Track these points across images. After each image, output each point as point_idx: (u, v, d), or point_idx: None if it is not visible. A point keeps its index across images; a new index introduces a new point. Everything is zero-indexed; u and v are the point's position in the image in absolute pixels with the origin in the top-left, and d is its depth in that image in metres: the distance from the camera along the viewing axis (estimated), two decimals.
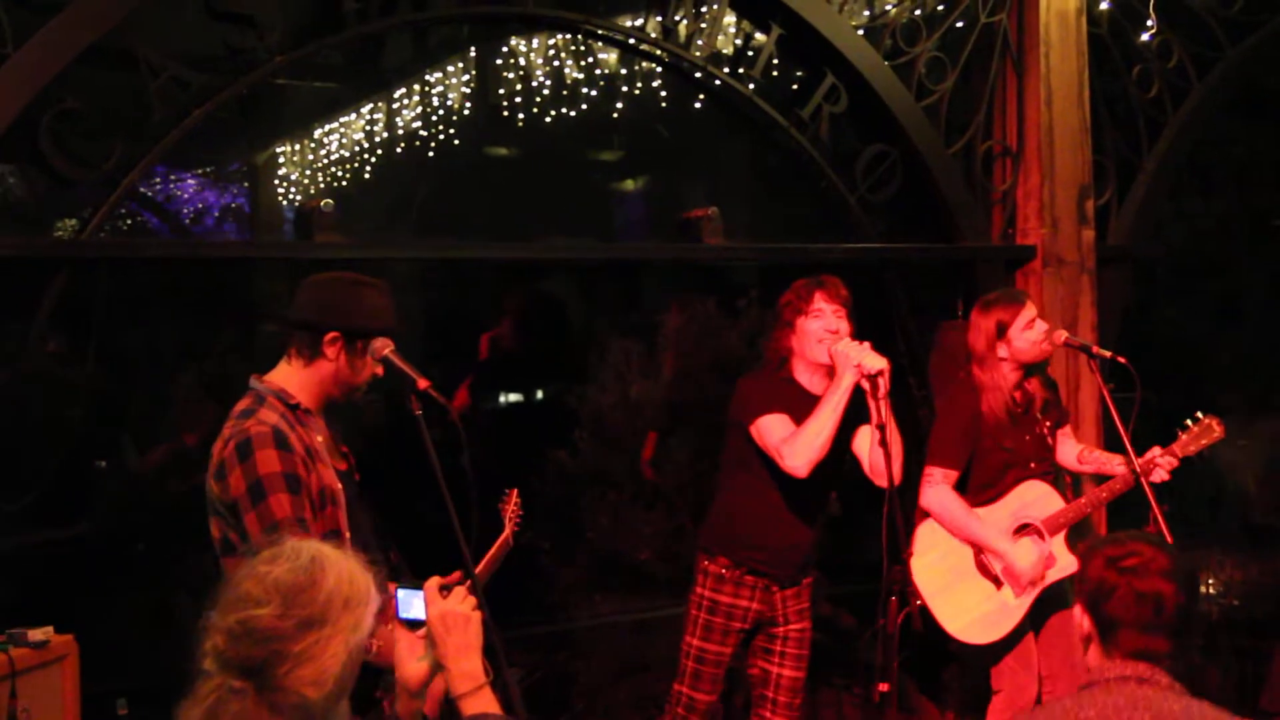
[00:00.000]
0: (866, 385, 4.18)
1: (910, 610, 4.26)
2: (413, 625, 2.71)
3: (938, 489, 4.87)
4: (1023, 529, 4.89)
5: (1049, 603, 4.97)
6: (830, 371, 4.44)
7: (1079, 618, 2.71)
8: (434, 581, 2.69)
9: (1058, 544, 4.88)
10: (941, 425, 5.01)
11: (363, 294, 3.45)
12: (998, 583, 4.86)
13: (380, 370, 3.47)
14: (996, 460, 4.90)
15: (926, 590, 4.83)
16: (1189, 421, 4.93)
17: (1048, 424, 5.00)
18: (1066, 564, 4.85)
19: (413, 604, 2.70)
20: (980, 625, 4.87)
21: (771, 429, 4.43)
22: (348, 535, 3.38)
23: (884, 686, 4.59)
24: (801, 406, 4.45)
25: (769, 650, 4.69)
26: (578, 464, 6.29)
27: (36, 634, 3.86)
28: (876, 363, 4.18)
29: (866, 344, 4.30)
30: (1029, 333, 4.87)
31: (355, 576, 2.39)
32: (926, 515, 4.94)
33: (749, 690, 4.76)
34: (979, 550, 4.88)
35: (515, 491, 4.29)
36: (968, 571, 4.90)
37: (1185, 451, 4.87)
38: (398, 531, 3.76)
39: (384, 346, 3.43)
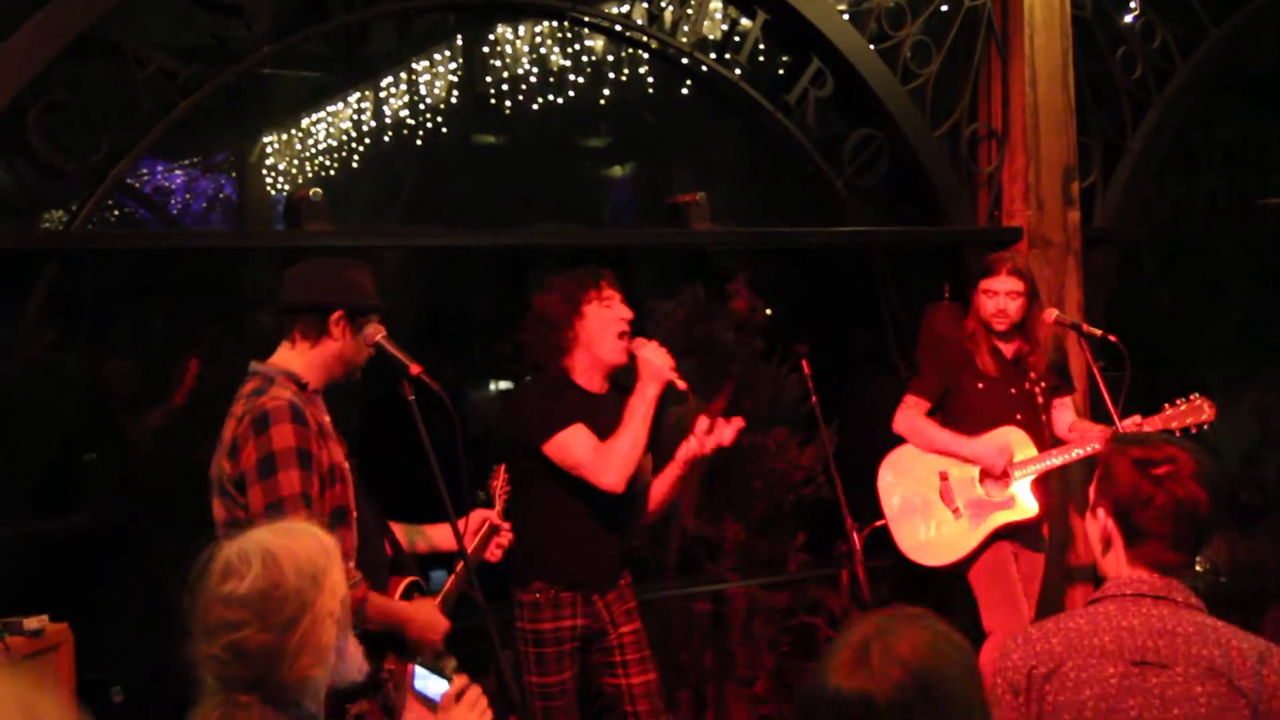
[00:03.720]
0: (683, 384, 4.17)
1: (860, 573, 4.36)
2: (426, 701, 2.74)
3: (907, 412, 5.13)
4: None
5: (1028, 545, 5.13)
6: (604, 367, 4.33)
7: (1102, 520, 2.59)
8: (451, 691, 2.70)
9: (1022, 487, 5.02)
10: (925, 359, 5.33)
11: (354, 274, 3.57)
12: (957, 512, 5.09)
13: (373, 350, 3.53)
14: (974, 402, 5.10)
15: (890, 512, 5.17)
16: (1180, 399, 4.99)
17: (1042, 385, 5.13)
18: (1027, 506, 5.03)
19: (430, 682, 2.73)
20: (931, 548, 5.12)
21: (572, 446, 4.20)
22: (355, 514, 3.42)
23: None
24: (588, 412, 4.26)
25: (610, 664, 4.41)
26: None
27: (31, 622, 3.88)
28: (668, 360, 4.19)
29: (659, 345, 4.25)
30: (985, 298, 5.11)
31: (309, 549, 2.40)
32: (900, 443, 5.20)
33: (613, 708, 4.52)
34: (944, 479, 5.09)
35: (503, 467, 4.22)
36: (929, 498, 5.15)
37: (1166, 425, 4.92)
38: (389, 514, 3.79)
39: (376, 333, 3.48)
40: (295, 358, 3.49)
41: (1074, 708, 2.48)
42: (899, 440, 5.24)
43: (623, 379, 4.40)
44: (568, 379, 4.35)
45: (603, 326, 4.29)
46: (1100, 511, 2.61)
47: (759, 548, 6.09)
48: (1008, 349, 5.13)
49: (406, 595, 3.59)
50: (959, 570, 5.14)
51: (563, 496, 4.29)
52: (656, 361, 4.20)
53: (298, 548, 2.39)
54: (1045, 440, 5.14)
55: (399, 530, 3.82)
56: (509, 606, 4.40)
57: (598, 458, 4.18)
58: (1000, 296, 5.06)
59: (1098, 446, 4.96)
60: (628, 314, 4.31)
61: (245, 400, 3.39)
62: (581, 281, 4.32)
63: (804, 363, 4.74)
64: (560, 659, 4.32)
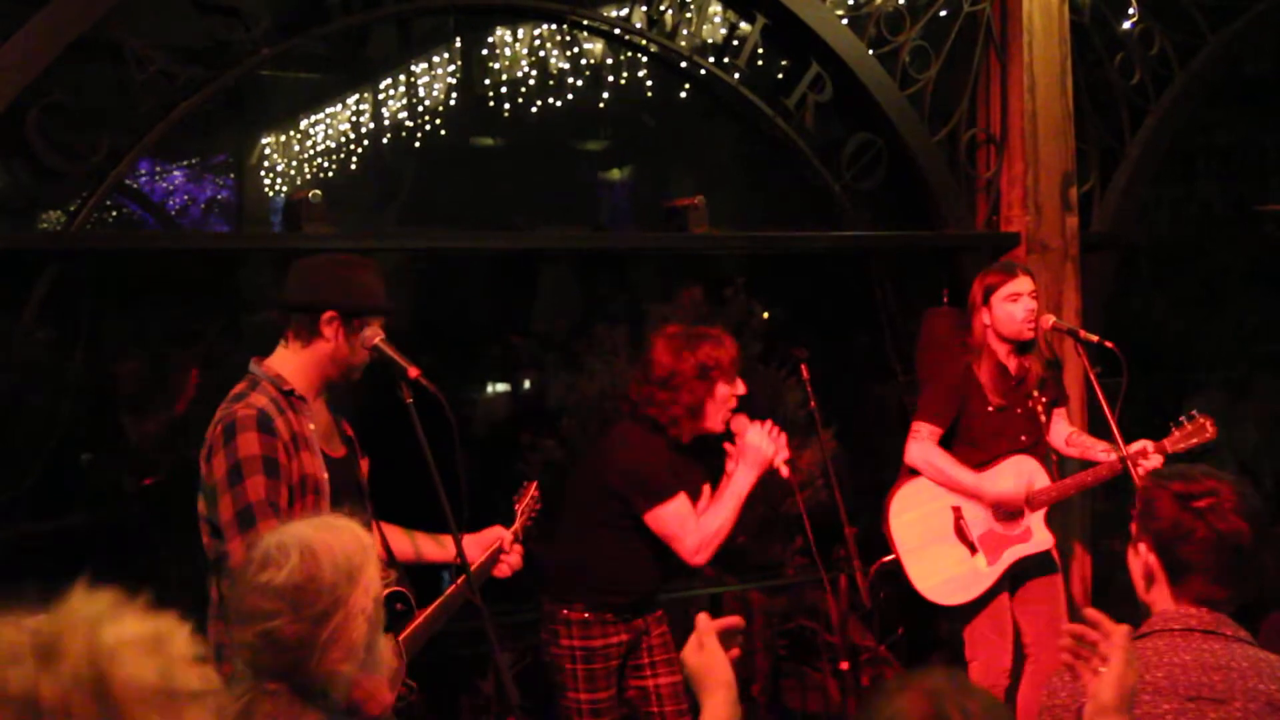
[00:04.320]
0: (785, 472, 4.20)
1: (858, 578, 4.34)
2: None
3: (922, 444, 4.96)
4: None
5: (1031, 570, 5.05)
6: (705, 432, 4.29)
7: (1144, 555, 2.57)
8: None
9: (1037, 520, 4.95)
10: (930, 383, 5.12)
11: (355, 273, 3.49)
12: (972, 549, 4.96)
13: (373, 353, 3.48)
14: (983, 427, 4.97)
15: (903, 548, 4.99)
16: (1183, 418, 4.94)
17: (1043, 400, 5.04)
18: (1042, 540, 4.96)
19: None
20: (949, 587, 4.98)
21: (672, 521, 4.21)
22: None
23: (844, 665, 4.67)
24: (685, 471, 4.28)
25: (639, 666, 4.42)
26: (566, 452, 6.31)
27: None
28: (775, 446, 4.19)
29: (767, 425, 4.24)
30: (1010, 305, 4.92)
31: (346, 545, 2.45)
32: (912, 474, 5.03)
33: (636, 712, 4.52)
34: (958, 515, 4.96)
35: (534, 485, 4.12)
36: (945, 534, 4.99)
37: (1175, 449, 4.84)
38: (390, 518, 3.78)
39: (374, 335, 3.45)
40: (287, 359, 3.44)
41: None
42: (896, 445, 5.17)
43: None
44: (674, 440, 4.28)
45: (721, 404, 4.26)
46: (1142, 547, 2.59)
47: (756, 551, 6.10)
48: (1012, 365, 4.99)
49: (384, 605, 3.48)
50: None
51: (629, 542, 4.29)
52: (764, 449, 4.20)
53: (336, 543, 2.44)
54: (1050, 461, 5.08)
55: (398, 534, 3.78)
56: (512, 612, 4.40)
57: (696, 537, 4.20)
58: (1025, 297, 4.91)
59: (1105, 474, 4.92)
60: (742, 390, 4.28)
61: (226, 404, 3.36)
62: (726, 356, 4.24)
63: (803, 367, 4.72)
64: (609, 675, 4.32)
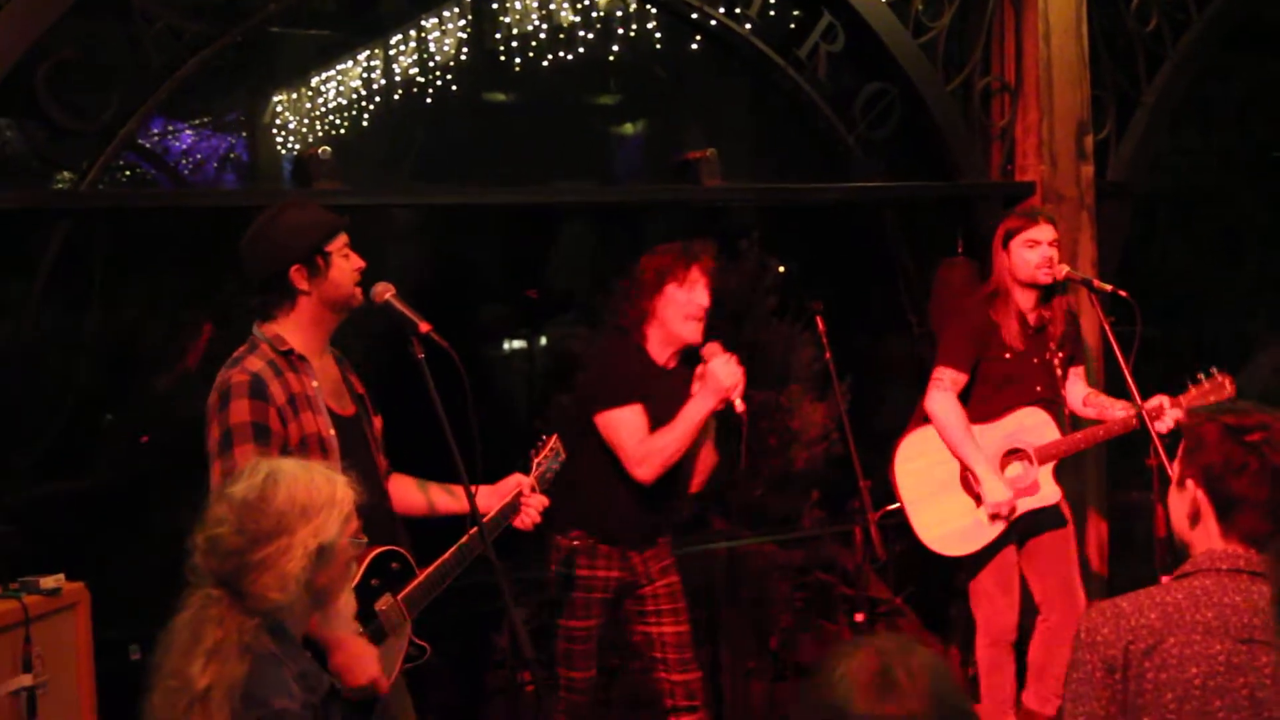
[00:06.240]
0: (740, 407, 4.25)
1: (873, 531, 4.35)
2: None
3: (945, 395, 4.94)
4: (1014, 453, 4.95)
5: (1041, 525, 5.03)
6: (678, 343, 4.40)
7: (1190, 491, 2.53)
8: None
9: (1045, 474, 4.93)
10: (951, 327, 5.11)
11: (287, 217, 3.48)
12: (978, 500, 4.94)
13: (355, 271, 3.49)
14: (1000, 373, 4.93)
15: (908, 497, 5.00)
16: (1201, 375, 4.91)
17: (1060, 355, 5.01)
18: (1049, 494, 4.93)
19: None
20: (953, 538, 4.99)
21: (620, 428, 4.31)
22: None
23: (859, 617, 4.70)
24: (652, 384, 4.37)
25: (643, 612, 4.52)
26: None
27: (48, 581, 3.90)
28: (735, 379, 4.25)
29: (734, 360, 4.30)
30: (1026, 251, 4.92)
31: (313, 485, 2.62)
32: (923, 421, 5.02)
33: (642, 657, 4.63)
34: (965, 465, 4.93)
35: (554, 438, 4.05)
36: (951, 484, 4.99)
37: (1192, 404, 4.80)
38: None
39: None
40: (284, 323, 3.47)
41: (1179, 686, 2.41)
42: (911, 397, 5.16)
43: (695, 356, 4.47)
44: (641, 347, 4.44)
45: (677, 308, 4.37)
46: (1189, 483, 2.54)
47: (773, 505, 6.10)
48: (1032, 315, 4.97)
49: (378, 564, 3.45)
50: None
51: (618, 466, 4.37)
52: (722, 378, 4.26)
53: (303, 479, 2.61)
54: (1064, 414, 5.03)
55: (412, 487, 3.78)
56: (526, 566, 4.42)
57: (639, 449, 4.29)
58: (1043, 245, 4.91)
59: (1118, 429, 4.89)
60: (704, 301, 4.37)
61: (224, 369, 3.40)
62: (676, 258, 4.39)
63: (818, 319, 4.70)
64: (588, 606, 4.43)
